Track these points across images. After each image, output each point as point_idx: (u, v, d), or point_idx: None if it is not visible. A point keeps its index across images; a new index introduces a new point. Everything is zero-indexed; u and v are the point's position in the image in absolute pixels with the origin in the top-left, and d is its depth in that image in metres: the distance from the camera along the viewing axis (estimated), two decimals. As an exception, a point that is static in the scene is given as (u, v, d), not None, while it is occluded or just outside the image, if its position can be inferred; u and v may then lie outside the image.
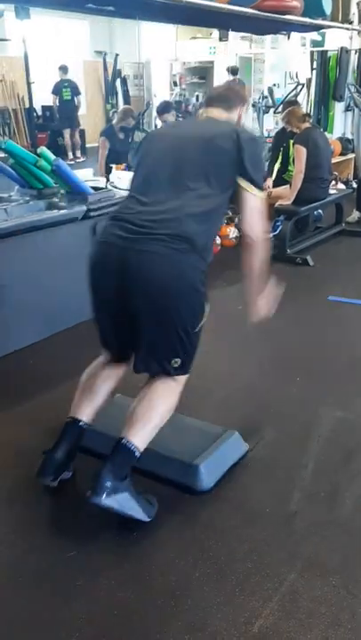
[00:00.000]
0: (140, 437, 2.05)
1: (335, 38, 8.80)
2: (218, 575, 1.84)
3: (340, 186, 7.02)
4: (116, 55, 13.72)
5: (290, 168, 5.51)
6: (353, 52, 8.39)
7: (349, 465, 2.36)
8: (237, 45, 14.58)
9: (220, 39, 11.67)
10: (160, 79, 15.30)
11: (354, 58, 8.36)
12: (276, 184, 5.51)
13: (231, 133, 2.13)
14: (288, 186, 5.20)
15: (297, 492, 2.20)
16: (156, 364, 2.14)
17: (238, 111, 2.37)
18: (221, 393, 2.95)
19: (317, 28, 7.04)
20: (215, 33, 12.71)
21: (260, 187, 2.18)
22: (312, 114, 8.26)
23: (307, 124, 5.24)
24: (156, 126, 8.46)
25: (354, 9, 8.43)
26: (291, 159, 5.41)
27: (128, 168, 5.37)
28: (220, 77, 14.99)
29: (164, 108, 6.24)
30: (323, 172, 5.19)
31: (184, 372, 2.21)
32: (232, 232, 5.52)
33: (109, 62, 13.68)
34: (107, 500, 1.92)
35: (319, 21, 6.21)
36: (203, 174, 2.10)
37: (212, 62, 15.41)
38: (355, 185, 6.76)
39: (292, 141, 5.61)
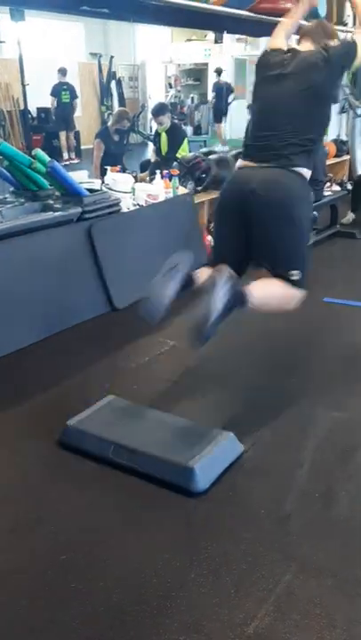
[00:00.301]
0: (257, 295, 2.48)
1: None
2: (213, 576, 1.84)
3: (335, 187, 7.03)
4: (111, 57, 13.73)
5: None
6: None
7: (345, 465, 2.37)
8: (232, 47, 14.61)
9: (216, 41, 11.71)
10: (155, 81, 15.34)
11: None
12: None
13: None
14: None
15: (292, 493, 2.21)
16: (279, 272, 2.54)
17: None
18: (217, 394, 2.95)
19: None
20: (210, 35, 12.74)
21: None
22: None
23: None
24: (151, 128, 8.46)
25: (349, 11, 8.46)
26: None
27: (123, 170, 5.37)
28: (212, 79, 15.05)
29: (159, 110, 6.25)
30: (317, 174, 5.19)
31: (301, 286, 2.59)
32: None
33: (104, 64, 13.70)
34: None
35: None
36: None
37: (206, 64, 15.45)
38: (349, 186, 6.77)
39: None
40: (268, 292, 2.59)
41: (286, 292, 2.61)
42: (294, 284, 2.60)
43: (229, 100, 13.57)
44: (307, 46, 2.82)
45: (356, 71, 8.42)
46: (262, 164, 2.65)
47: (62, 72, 11.81)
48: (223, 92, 13.59)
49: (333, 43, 2.81)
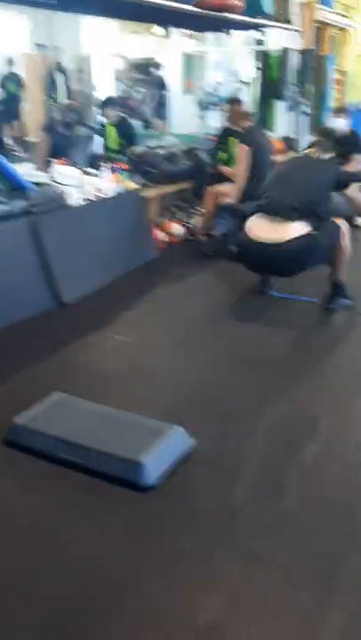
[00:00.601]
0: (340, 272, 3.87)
1: (278, 38, 8.95)
2: (164, 571, 1.84)
3: (264, 185, 7.12)
4: (57, 49, 13.48)
5: (233, 166, 5.55)
6: (295, 52, 8.54)
7: (293, 457, 2.41)
8: (182, 42, 14.58)
9: (164, 35, 11.67)
10: (103, 74, 15.14)
11: (296, 58, 8.51)
12: (220, 182, 5.55)
13: None
14: (232, 184, 5.24)
15: (241, 487, 2.23)
16: None
17: None
18: (167, 389, 2.95)
19: (257, 26, 7.13)
20: (159, 29, 12.68)
21: None
22: (255, 113, 8.36)
23: (249, 123, 5.29)
24: (99, 121, 8.36)
25: (294, 9, 8.58)
26: (234, 157, 5.45)
27: (70, 164, 5.29)
28: (164, 73, 14.95)
29: (106, 103, 6.18)
30: (265, 171, 5.25)
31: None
32: (177, 229, 5.54)
33: (50, 56, 13.43)
34: (335, 306, 3.85)
35: (259, 20, 6.28)
36: None
37: (155, 58, 15.34)
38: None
39: (234, 139, 5.66)
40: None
41: None
42: None
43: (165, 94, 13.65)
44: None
45: (303, 70, 8.57)
46: None
47: (10, 62, 11.56)
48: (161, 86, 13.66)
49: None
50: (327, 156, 3.97)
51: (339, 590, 1.77)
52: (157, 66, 12.98)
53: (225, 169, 5.70)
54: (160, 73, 13.05)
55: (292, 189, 3.74)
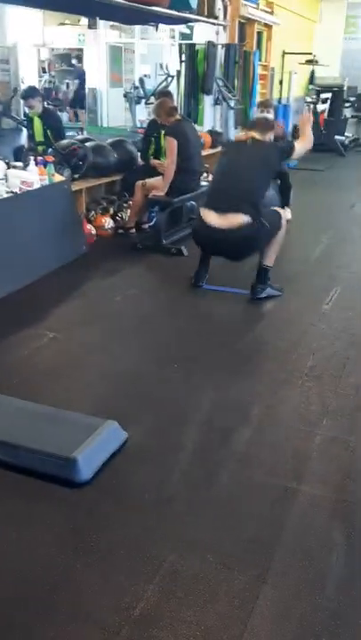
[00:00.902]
0: (272, 257, 3.99)
1: (203, 32, 9.01)
2: (99, 564, 1.85)
3: (211, 177, 7.22)
4: (-21, 37, 13.04)
5: (162, 159, 5.57)
6: (220, 46, 8.63)
7: (225, 445, 2.46)
8: (107, 34, 14.43)
9: (90, 27, 11.50)
10: (28, 65, 14.78)
11: (221, 52, 8.60)
12: (150, 174, 5.55)
13: None
14: (161, 177, 5.26)
15: (175, 476, 2.26)
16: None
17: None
18: (100, 384, 2.94)
19: (184, 20, 7.16)
20: (84, 20, 12.50)
21: None
22: (182, 106, 8.40)
23: (177, 117, 5.31)
24: (24, 113, 8.14)
25: (219, 4, 8.67)
26: (163, 150, 5.47)
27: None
28: (91, 65, 14.79)
29: (28, 93, 6.03)
30: (194, 164, 5.30)
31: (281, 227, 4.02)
32: (108, 223, 5.50)
33: (-28, 44, 12.98)
34: (262, 295, 4.01)
35: (185, 14, 6.31)
36: None
37: (81, 50, 15.13)
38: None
39: (163, 132, 5.68)
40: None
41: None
42: None
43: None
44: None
45: (228, 65, 8.68)
46: None
47: None
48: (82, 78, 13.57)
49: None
50: (267, 137, 4.08)
51: (271, 571, 1.83)
52: (79, 57, 12.82)
53: (155, 162, 5.72)
54: (81, 64, 12.89)
55: (235, 182, 3.93)
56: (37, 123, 5.93)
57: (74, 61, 13.15)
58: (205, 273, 4.26)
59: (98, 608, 1.70)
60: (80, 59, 13.30)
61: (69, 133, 6.67)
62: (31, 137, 6.03)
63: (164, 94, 6.44)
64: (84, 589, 1.76)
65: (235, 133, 8.52)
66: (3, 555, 1.88)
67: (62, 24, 14.72)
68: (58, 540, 1.94)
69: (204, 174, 6.31)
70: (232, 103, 8.25)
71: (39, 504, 2.10)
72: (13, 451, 2.24)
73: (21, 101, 11.12)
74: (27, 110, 6.34)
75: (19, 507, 2.09)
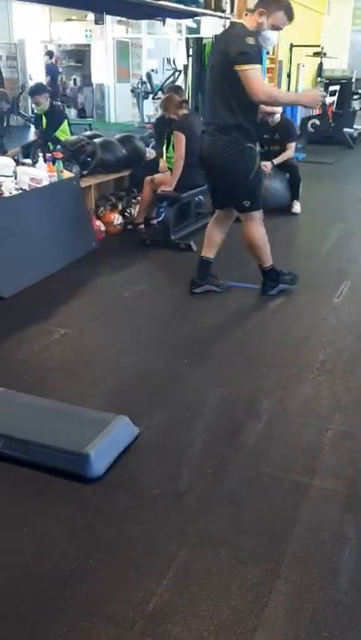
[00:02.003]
0: (264, 259, 3.88)
1: (210, 26, 8.96)
2: (111, 560, 1.85)
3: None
4: (-13, 35, 13.07)
5: (169, 155, 5.55)
6: (227, 40, 8.57)
7: (235, 440, 2.46)
8: (114, 29, 14.41)
9: (96, 22, 11.48)
10: (35, 61, 14.80)
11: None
12: (157, 170, 5.54)
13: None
14: (170, 172, 5.25)
15: (186, 471, 2.26)
16: (235, 205, 3.73)
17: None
18: (110, 379, 2.95)
19: (191, 14, 7.13)
20: (91, 15, 12.49)
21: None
22: (190, 100, 8.36)
23: (185, 111, 5.30)
24: (32, 110, 8.15)
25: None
26: (171, 146, 5.45)
27: (3, 153, 5.16)
28: (98, 61, 14.78)
29: (35, 90, 6.04)
30: (196, 159, 5.27)
31: (253, 209, 3.68)
32: (117, 219, 5.50)
33: (-20, 42, 13.02)
34: (272, 292, 3.96)
35: (192, 8, 6.28)
36: None
37: (88, 45, 15.13)
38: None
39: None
40: (258, 250, 3.88)
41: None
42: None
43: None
44: None
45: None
46: None
47: None
48: (56, 73, 13.63)
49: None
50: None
51: (284, 565, 1.83)
52: (51, 54, 12.87)
53: (162, 164, 5.70)
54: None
55: None
56: (45, 120, 5.94)
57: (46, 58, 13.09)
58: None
59: (110, 603, 1.70)
60: (51, 55, 13.35)
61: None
62: (40, 134, 6.04)
63: (174, 89, 6.41)
64: (96, 584, 1.76)
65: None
66: (15, 549, 1.89)
67: (69, 20, 14.73)
68: (70, 535, 1.95)
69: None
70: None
71: (51, 499, 2.11)
72: (25, 446, 2.24)
73: (29, 98, 11.10)
74: (34, 107, 6.34)
75: (31, 502, 2.10)
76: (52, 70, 13.41)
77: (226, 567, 1.83)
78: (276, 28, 3.47)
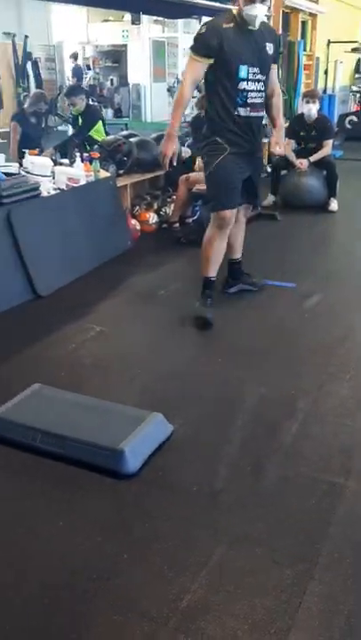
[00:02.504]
0: (204, 268, 3.66)
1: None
2: (146, 555, 1.86)
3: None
4: (26, 37, 13.27)
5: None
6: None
7: (271, 439, 2.44)
8: (150, 29, 14.47)
9: (133, 22, 11.56)
10: (73, 62, 14.95)
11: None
12: (192, 169, 5.54)
13: None
14: (205, 170, 5.23)
15: (222, 469, 2.25)
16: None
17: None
18: (146, 377, 2.96)
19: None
20: (128, 16, 12.56)
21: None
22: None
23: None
24: (70, 110, 8.26)
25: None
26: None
27: (41, 153, 5.24)
28: (134, 61, 14.85)
29: (71, 92, 6.10)
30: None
31: (214, 209, 3.49)
32: (152, 217, 5.53)
33: (19, 44, 13.22)
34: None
35: (228, 6, 6.24)
36: None
37: (125, 46, 15.20)
38: (269, 169, 6.92)
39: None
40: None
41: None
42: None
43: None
44: None
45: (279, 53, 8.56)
46: None
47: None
48: (81, 75, 13.71)
49: None
50: None
51: (319, 566, 1.81)
52: (76, 56, 12.97)
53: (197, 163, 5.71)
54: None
55: None
56: (81, 120, 6.00)
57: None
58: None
59: (144, 598, 1.71)
60: (76, 57, 13.50)
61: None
62: (76, 134, 6.10)
63: None
64: (130, 580, 1.77)
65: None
66: (51, 542, 1.92)
67: (106, 21, 14.84)
68: (105, 530, 1.96)
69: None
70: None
71: (86, 494, 2.13)
72: (61, 441, 2.28)
73: (66, 99, 11.19)
74: (70, 108, 6.42)
75: (67, 496, 2.13)
76: (77, 72, 13.52)
77: (261, 567, 1.82)
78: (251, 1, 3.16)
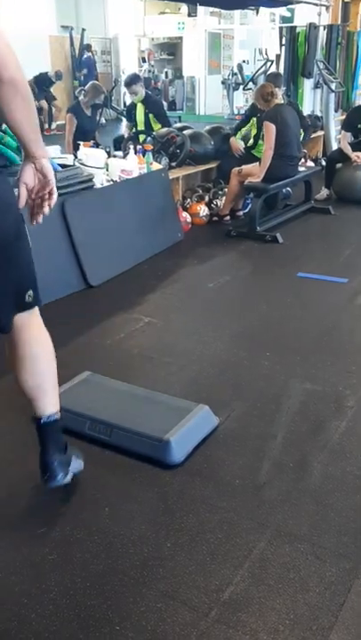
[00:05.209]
0: (52, 403, 1.95)
1: (304, 14, 8.76)
2: (189, 545, 1.87)
3: (310, 163, 7.04)
4: (83, 30, 13.44)
5: (260, 143, 5.50)
6: (321, 28, 8.36)
7: (318, 435, 2.41)
8: (206, 21, 14.40)
9: (189, 15, 11.51)
10: (128, 55, 15.06)
11: (322, 34, 8.33)
12: (246, 161, 5.50)
13: None
14: (258, 163, 5.19)
15: (266, 463, 2.24)
16: (13, 306, 1.87)
17: None
18: (192, 368, 2.97)
19: (286, 3, 7.00)
20: (184, 8, 12.53)
21: None
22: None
23: (276, 101, 5.22)
24: (125, 103, 8.32)
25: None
26: (261, 135, 5.39)
27: (96, 145, 5.30)
28: (189, 53, 14.82)
29: (131, 80, 6.14)
30: (292, 150, 5.20)
31: (38, 302, 2.01)
32: (202, 210, 5.52)
33: (76, 37, 13.41)
34: (65, 478, 1.98)
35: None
36: None
37: (180, 38, 15.21)
38: (323, 162, 6.79)
39: (255, 118, 5.63)
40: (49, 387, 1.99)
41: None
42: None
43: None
44: None
45: (329, 46, 8.39)
46: None
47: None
48: (92, 66, 13.74)
49: None
50: None
51: (364, 566, 1.78)
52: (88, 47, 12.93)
53: (234, 143, 5.71)
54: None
55: None
56: (140, 109, 6.03)
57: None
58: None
59: (187, 588, 1.72)
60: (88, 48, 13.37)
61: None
62: (134, 124, 6.14)
63: (272, 77, 6.33)
64: (173, 568, 1.79)
65: (335, 117, 8.25)
66: (97, 529, 1.95)
67: (162, 13, 14.86)
68: (149, 518, 1.99)
69: (302, 160, 6.17)
70: (333, 86, 7.96)
71: (132, 482, 2.16)
72: (109, 429, 2.31)
73: (122, 92, 11.34)
74: (129, 98, 6.46)
75: (113, 483, 2.16)
76: (88, 63, 13.52)
77: (304, 563, 1.80)
78: None
